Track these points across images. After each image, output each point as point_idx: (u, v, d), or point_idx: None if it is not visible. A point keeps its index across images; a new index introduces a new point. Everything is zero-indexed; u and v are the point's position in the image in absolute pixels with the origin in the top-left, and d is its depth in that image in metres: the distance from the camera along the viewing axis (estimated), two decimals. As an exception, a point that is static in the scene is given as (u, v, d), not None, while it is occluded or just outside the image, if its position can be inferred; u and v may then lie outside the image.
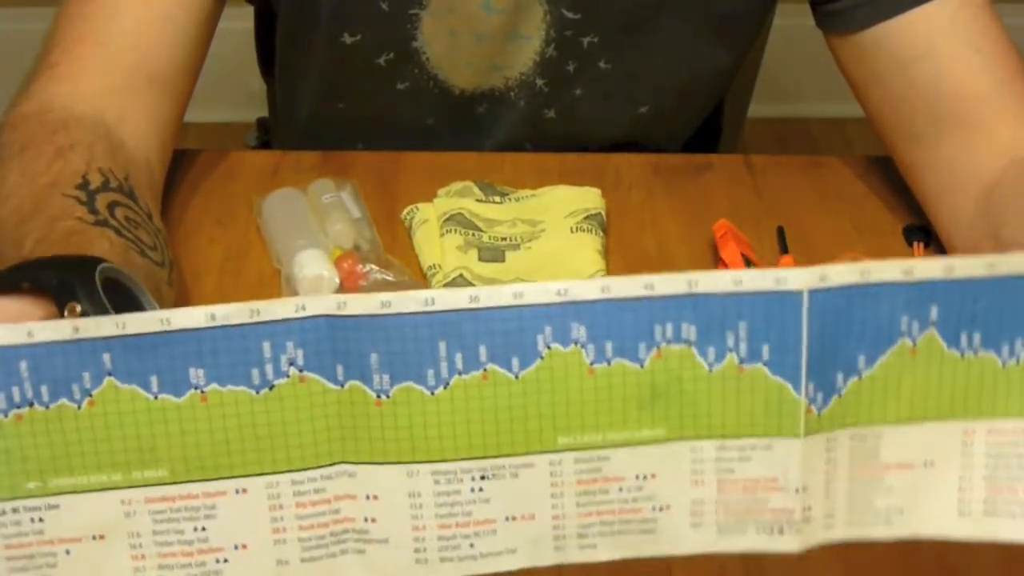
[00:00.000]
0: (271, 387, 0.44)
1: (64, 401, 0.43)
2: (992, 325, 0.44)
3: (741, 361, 0.44)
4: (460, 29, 0.83)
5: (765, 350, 0.43)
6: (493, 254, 0.77)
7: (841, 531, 0.46)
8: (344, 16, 0.84)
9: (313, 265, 0.74)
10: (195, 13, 0.76)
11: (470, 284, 0.74)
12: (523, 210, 0.80)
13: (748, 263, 0.74)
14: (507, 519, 0.45)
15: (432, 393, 0.44)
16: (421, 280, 0.76)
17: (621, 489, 0.45)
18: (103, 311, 0.49)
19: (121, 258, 0.59)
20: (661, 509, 0.46)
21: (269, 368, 0.43)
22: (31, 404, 0.43)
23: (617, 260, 0.79)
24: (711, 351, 0.44)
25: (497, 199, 0.81)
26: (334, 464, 0.45)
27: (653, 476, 0.45)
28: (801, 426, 0.44)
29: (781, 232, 0.80)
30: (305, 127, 0.95)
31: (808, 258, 0.78)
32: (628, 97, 0.89)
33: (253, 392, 0.44)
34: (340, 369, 0.44)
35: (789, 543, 0.46)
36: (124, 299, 0.52)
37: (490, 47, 0.85)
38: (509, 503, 0.45)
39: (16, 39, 1.22)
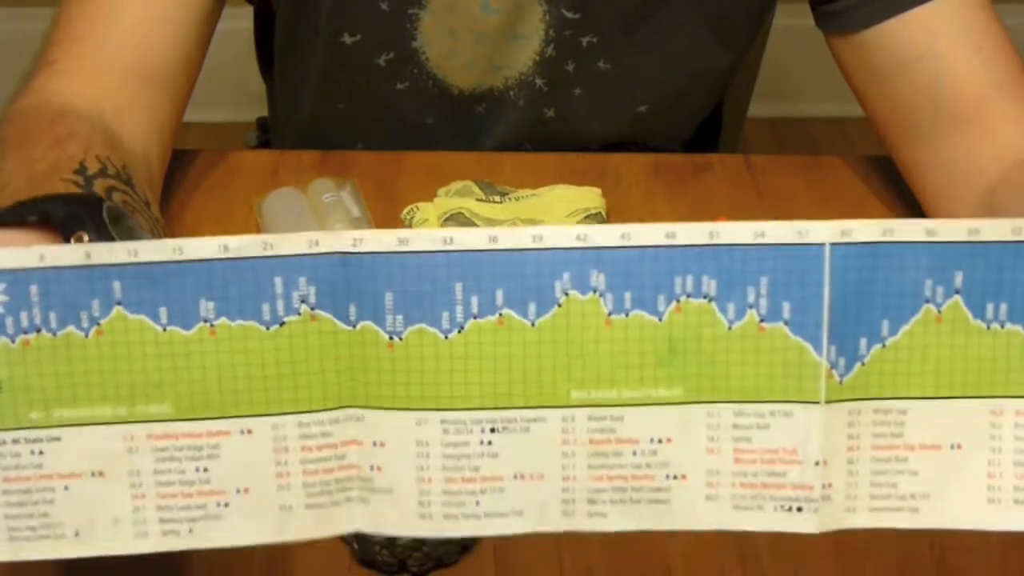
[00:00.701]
0: (281, 324, 0.43)
1: (72, 328, 0.42)
2: (1019, 297, 0.43)
3: (761, 319, 0.43)
4: (459, 29, 0.83)
5: (786, 308, 0.43)
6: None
7: (863, 517, 0.45)
8: (343, 16, 0.84)
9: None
10: (194, 12, 0.76)
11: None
12: (523, 209, 0.80)
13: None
14: (515, 477, 0.44)
15: (446, 337, 0.43)
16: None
17: (635, 453, 0.44)
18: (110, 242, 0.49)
19: None
20: (675, 478, 0.45)
21: (280, 304, 0.43)
22: (39, 330, 0.42)
23: (617, 260, 0.79)
24: (731, 307, 0.43)
25: (497, 199, 0.81)
26: (342, 408, 0.44)
27: (668, 440, 0.44)
28: (822, 391, 0.44)
29: (781, 232, 0.80)
30: (304, 127, 0.95)
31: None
32: (628, 97, 0.89)
33: (263, 328, 0.43)
34: (353, 309, 0.43)
35: (807, 523, 0.45)
36: (127, 238, 0.52)
37: (489, 47, 0.85)
38: (518, 460, 0.44)
39: (16, 39, 1.22)
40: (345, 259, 0.42)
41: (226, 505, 0.44)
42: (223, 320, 0.43)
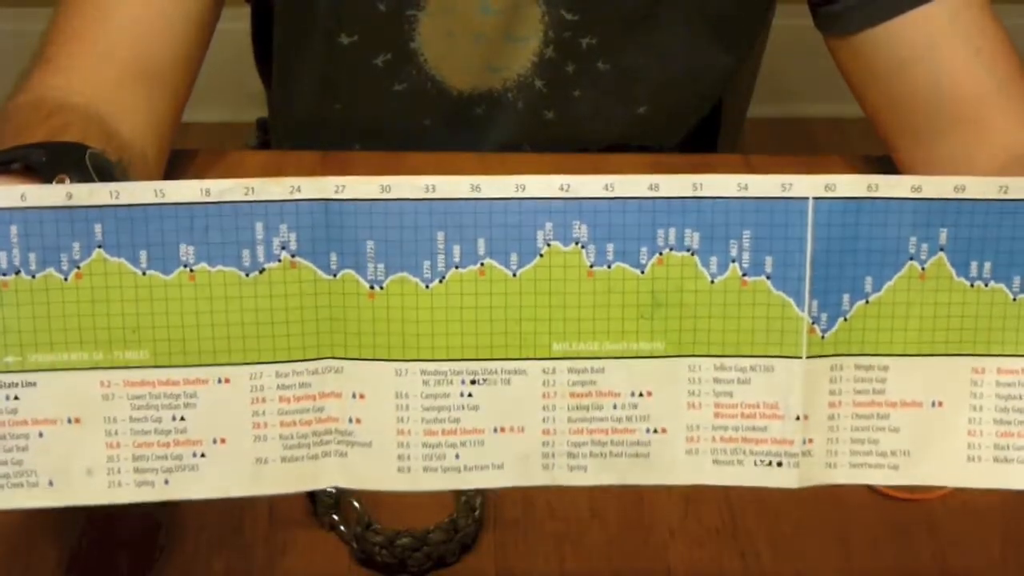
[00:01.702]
0: (261, 270, 0.43)
1: (51, 271, 0.42)
2: (1003, 255, 0.44)
3: (744, 273, 0.43)
4: (458, 30, 0.83)
5: (768, 262, 0.43)
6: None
7: (843, 473, 0.45)
8: (341, 17, 0.84)
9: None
10: (193, 11, 0.75)
11: None
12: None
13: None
14: (496, 430, 0.44)
15: (427, 286, 0.43)
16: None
17: (616, 406, 0.44)
18: None
19: None
20: (655, 432, 0.45)
21: (260, 250, 0.43)
22: (17, 272, 0.42)
23: (616, 260, 0.79)
24: (713, 260, 0.43)
25: (496, 199, 0.81)
26: (321, 359, 0.44)
27: (649, 394, 0.44)
28: (804, 345, 0.44)
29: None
30: (302, 128, 0.95)
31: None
32: (627, 98, 0.89)
33: (242, 274, 0.43)
34: (334, 257, 0.43)
35: (787, 478, 0.45)
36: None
37: (488, 48, 0.85)
38: (499, 412, 0.44)
39: (16, 39, 1.22)
40: (327, 205, 0.42)
41: (202, 456, 0.44)
42: (203, 265, 0.43)
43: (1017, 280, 0.44)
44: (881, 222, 0.43)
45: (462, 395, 0.44)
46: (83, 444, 0.43)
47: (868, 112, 0.80)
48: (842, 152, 0.91)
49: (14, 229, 0.42)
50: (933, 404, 0.45)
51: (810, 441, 0.44)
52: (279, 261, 0.43)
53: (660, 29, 0.84)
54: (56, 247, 0.42)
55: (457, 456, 0.44)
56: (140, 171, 0.69)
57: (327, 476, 0.45)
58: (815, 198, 0.42)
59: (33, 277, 0.42)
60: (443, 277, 0.43)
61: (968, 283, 0.44)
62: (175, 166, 0.81)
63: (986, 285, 0.44)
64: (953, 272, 0.44)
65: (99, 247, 0.42)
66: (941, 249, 0.43)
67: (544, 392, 0.44)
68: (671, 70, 0.88)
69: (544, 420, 0.44)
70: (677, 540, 0.63)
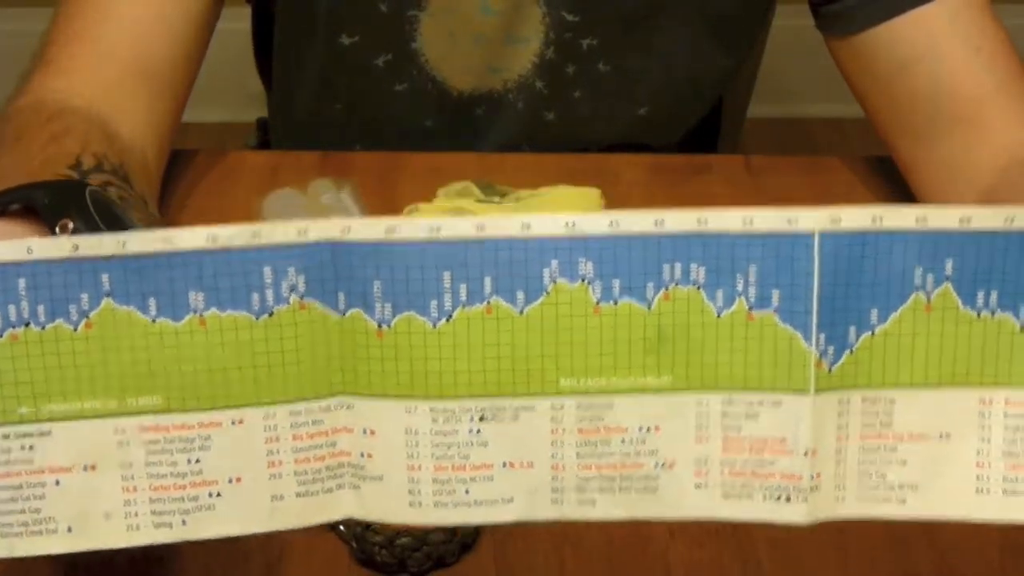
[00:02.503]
0: (271, 313, 0.43)
1: (61, 322, 0.42)
2: (1010, 284, 0.43)
3: (750, 307, 0.43)
4: (458, 31, 0.83)
5: (775, 296, 0.43)
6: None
7: (852, 507, 0.45)
8: (342, 17, 0.84)
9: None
10: (193, 11, 0.76)
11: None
12: (522, 210, 0.80)
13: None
14: (504, 465, 0.44)
15: (434, 325, 0.43)
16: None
17: (623, 441, 0.44)
18: (95, 230, 0.49)
19: None
20: (664, 466, 0.44)
21: (270, 293, 0.43)
22: (27, 324, 0.42)
23: (616, 261, 0.79)
24: (720, 294, 0.43)
25: (497, 199, 0.81)
26: (333, 396, 0.44)
27: (657, 429, 0.44)
28: (811, 381, 0.43)
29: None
30: (302, 128, 0.95)
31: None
32: (627, 99, 0.89)
33: (253, 318, 0.43)
34: (342, 296, 0.43)
35: (796, 513, 0.44)
36: (112, 222, 0.52)
37: (488, 49, 0.85)
38: (507, 448, 0.44)
39: (16, 39, 1.22)
40: (334, 247, 0.42)
41: (218, 495, 0.44)
42: (213, 311, 0.43)
43: None
44: (886, 253, 0.42)
45: (471, 432, 0.44)
46: (100, 490, 0.44)
47: (868, 112, 0.80)
48: (842, 152, 0.91)
49: (22, 282, 0.42)
50: (940, 436, 0.44)
51: (818, 476, 0.44)
52: (288, 303, 0.43)
53: (660, 30, 0.85)
54: (64, 298, 0.42)
55: (467, 491, 0.44)
56: (140, 174, 0.69)
57: (342, 508, 0.45)
58: (821, 232, 0.42)
59: (43, 328, 0.42)
60: (450, 316, 0.43)
61: (975, 313, 0.43)
62: (175, 166, 0.81)
63: (992, 315, 0.43)
64: (959, 302, 0.43)
65: (107, 296, 0.42)
66: (947, 279, 0.43)
67: (552, 428, 0.44)
68: (671, 71, 0.88)
69: (553, 456, 0.44)
70: (677, 541, 0.63)
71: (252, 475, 0.44)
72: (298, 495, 0.45)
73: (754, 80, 1.09)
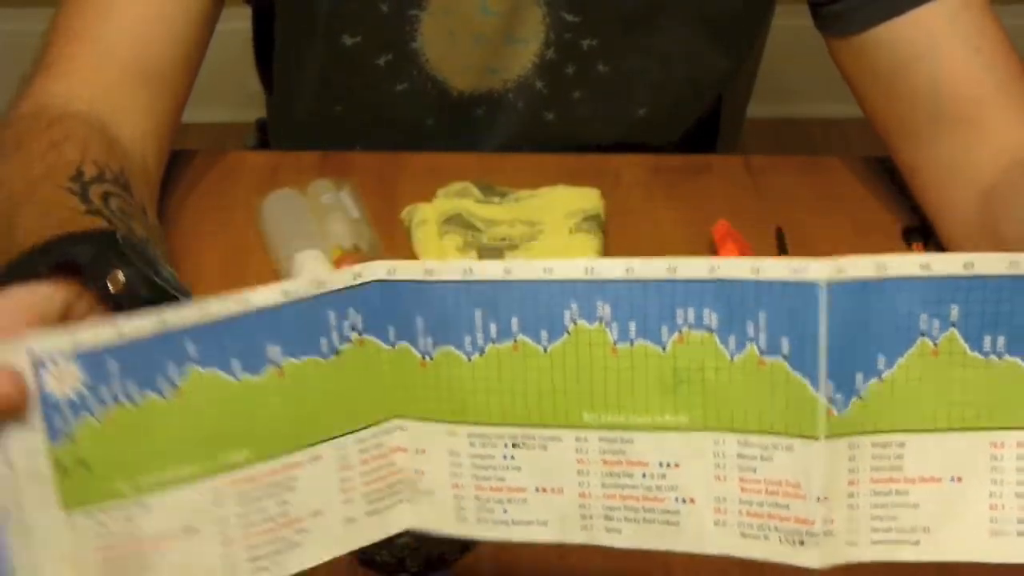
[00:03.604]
0: (337, 352, 0.46)
1: (151, 395, 0.43)
2: (1017, 328, 0.43)
3: (761, 353, 0.44)
4: (458, 31, 0.83)
5: (784, 343, 0.43)
6: (492, 254, 0.77)
7: (865, 551, 0.45)
8: (343, 17, 0.84)
9: (312, 265, 0.74)
10: (193, 11, 0.76)
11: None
12: (522, 210, 0.80)
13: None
14: (537, 490, 0.47)
15: (469, 359, 0.46)
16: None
17: (645, 475, 0.46)
18: (140, 277, 0.50)
19: None
20: (685, 501, 0.46)
21: (335, 335, 0.46)
22: (119, 401, 0.43)
23: (616, 261, 0.79)
24: (732, 339, 0.44)
25: (496, 199, 0.81)
26: (390, 419, 0.47)
27: (676, 465, 0.46)
28: (821, 427, 0.44)
29: (780, 234, 0.80)
30: (302, 128, 0.95)
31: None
32: (627, 99, 0.89)
33: (322, 359, 0.46)
34: (392, 330, 0.46)
35: (810, 558, 0.45)
36: (148, 263, 0.53)
37: (488, 49, 0.85)
38: (538, 474, 0.47)
39: (16, 39, 1.22)
40: (383, 286, 0.46)
41: (305, 531, 0.46)
42: (289, 360, 0.45)
43: None
44: (891, 301, 0.43)
45: (505, 457, 0.47)
46: (201, 551, 0.45)
47: (868, 112, 0.81)
48: (842, 152, 0.91)
49: (112, 364, 0.43)
50: (952, 479, 0.45)
51: (831, 521, 0.44)
52: (350, 341, 0.46)
53: (660, 31, 0.85)
54: (152, 369, 0.43)
55: (505, 511, 0.47)
56: (140, 179, 0.69)
57: (402, 520, 0.48)
58: (827, 281, 0.42)
59: (136, 405, 0.43)
60: (482, 351, 0.46)
61: (983, 357, 0.44)
62: (175, 166, 0.81)
63: (1000, 359, 0.44)
64: (966, 347, 0.43)
65: (193, 362, 0.44)
66: (953, 325, 0.43)
67: (578, 458, 0.46)
68: (671, 72, 0.88)
69: (580, 484, 0.47)
70: (677, 540, 0.63)
71: (329, 505, 0.47)
72: (367, 514, 0.48)
73: (753, 80, 1.09)
